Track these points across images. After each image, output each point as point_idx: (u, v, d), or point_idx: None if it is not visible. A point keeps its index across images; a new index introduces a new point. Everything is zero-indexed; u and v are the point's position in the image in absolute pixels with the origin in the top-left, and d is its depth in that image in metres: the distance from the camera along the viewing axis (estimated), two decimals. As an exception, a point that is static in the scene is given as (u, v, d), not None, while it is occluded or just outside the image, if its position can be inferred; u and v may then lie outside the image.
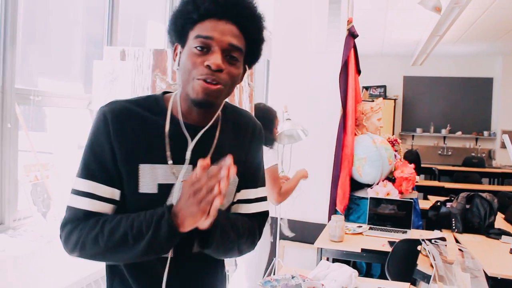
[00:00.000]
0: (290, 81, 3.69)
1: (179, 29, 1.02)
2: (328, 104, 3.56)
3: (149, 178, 1.03)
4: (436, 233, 3.13)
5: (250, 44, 1.03)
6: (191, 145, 1.05)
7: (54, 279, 2.24)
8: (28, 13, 2.60)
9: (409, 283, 1.98)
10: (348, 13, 3.47)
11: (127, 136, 1.02)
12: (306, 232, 3.42)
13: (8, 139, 2.31)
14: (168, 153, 1.04)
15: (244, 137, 1.16)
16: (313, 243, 2.90)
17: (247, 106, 2.71)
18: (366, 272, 3.34)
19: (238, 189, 1.15)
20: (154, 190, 1.03)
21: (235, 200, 1.17)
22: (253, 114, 2.73)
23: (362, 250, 2.81)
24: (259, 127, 1.21)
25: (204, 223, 0.93)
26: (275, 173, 2.73)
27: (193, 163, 1.02)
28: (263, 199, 1.21)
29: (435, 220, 3.71)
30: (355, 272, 1.88)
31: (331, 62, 3.52)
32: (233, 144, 1.12)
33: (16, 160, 2.38)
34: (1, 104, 2.27)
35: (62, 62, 3.06)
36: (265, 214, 1.21)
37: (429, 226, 3.83)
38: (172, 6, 4.09)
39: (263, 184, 1.21)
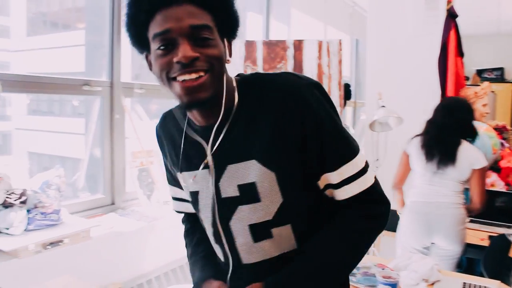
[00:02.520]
0: (386, 66, 3.59)
1: (137, 37, 0.91)
2: (426, 90, 3.41)
3: (185, 186, 1.05)
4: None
5: (217, 13, 0.87)
6: (208, 149, 0.95)
7: (154, 255, 2.46)
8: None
9: (499, 281, 1.84)
10: (447, -8, 3.28)
11: (166, 147, 1.08)
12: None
13: (117, 129, 2.57)
14: (192, 161, 0.99)
15: (285, 116, 0.88)
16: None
17: (336, 94, 2.71)
18: (468, 267, 3.16)
19: (287, 181, 0.91)
20: (189, 197, 1.05)
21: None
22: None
23: (459, 243, 2.66)
24: (304, 95, 0.89)
25: None
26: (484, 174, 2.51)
27: (218, 165, 0.94)
28: (355, 177, 0.92)
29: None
30: (437, 265, 1.82)
31: (430, 46, 3.36)
32: (258, 131, 0.90)
33: (124, 147, 2.64)
34: (110, 97, 2.53)
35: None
36: (366, 193, 0.93)
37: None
38: (268, -3, 4.18)
39: (346, 160, 0.91)
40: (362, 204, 0.94)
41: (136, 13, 0.87)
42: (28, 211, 1.95)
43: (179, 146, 1.00)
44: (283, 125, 0.89)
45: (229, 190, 0.92)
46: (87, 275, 2.08)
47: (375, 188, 0.96)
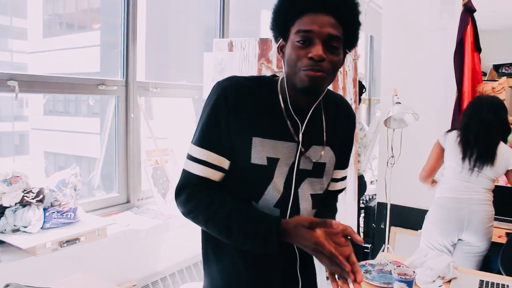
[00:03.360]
0: (401, 62, 3.54)
1: (280, 25, 1.09)
2: (442, 86, 3.36)
3: (260, 150, 1.10)
4: None
5: (347, 30, 1.07)
6: (302, 127, 1.13)
7: (168, 253, 2.47)
8: (147, 10, 2.85)
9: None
10: (464, -14, 3.23)
11: (244, 110, 1.10)
12: (416, 219, 3.29)
13: (132, 128, 2.59)
14: (286, 130, 1.13)
15: (343, 121, 1.24)
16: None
17: (351, 91, 2.69)
18: (484, 265, 3.11)
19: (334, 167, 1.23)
20: (263, 162, 1.10)
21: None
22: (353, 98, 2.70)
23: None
24: (353, 113, 1.29)
25: None
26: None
27: (303, 144, 1.13)
28: (346, 178, 1.32)
29: None
30: (453, 262, 1.79)
31: (446, 41, 3.31)
32: (335, 126, 1.20)
33: (139, 146, 2.65)
34: (125, 96, 2.54)
35: (178, 55, 3.31)
36: (343, 190, 1.33)
37: None
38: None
39: (347, 166, 1.31)
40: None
41: (289, 7, 1.06)
42: (45, 209, 1.97)
43: (271, 116, 1.12)
44: (345, 128, 1.25)
45: (306, 164, 1.14)
46: (102, 273, 2.10)
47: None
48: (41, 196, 1.95)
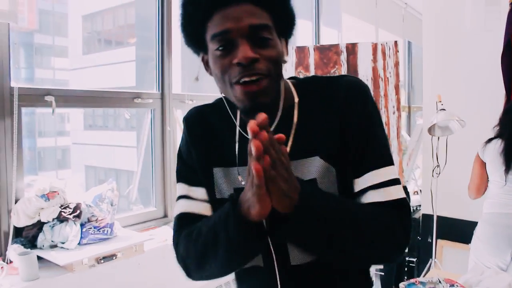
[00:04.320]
0: (443, 67, 3.40)
1: (192, 37, 0.89)
2: (489, 90, 3.20)
3: (223, 182, 0.93)
4: None
5: (275, 12, 0.85)
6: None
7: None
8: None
9: None
10: (510, -15, 3.08)
11: (201, 140, 0.96)
12: (465, 232, 3.12)
13: (169, 140, 2.56)
14: (236, 156, 0.92)
15: (335, 111, 0.89)
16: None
17: (393, 98, 2.59)
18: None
19: (345, 179, 0.89)
20: (228, 193, 0.92)
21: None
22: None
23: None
24: (359, 87, 0.92)
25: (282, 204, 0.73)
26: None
27: None
28: (394, 182, 0.88)
29: None
30: (515, 280, 1.65)
31: (490, 43, 3.15)
32: (321, 124, 0.90)
33: (176, 159, 2.62)
34: (161, 109, 2.52)
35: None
36: (402, 202, 0.88)
37: None
38: (318, 4, 4.10)
39: (388, 162, 0.90)
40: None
41: (193, 13, 0.85)
42: (82, 225, 1.95)
43: (229, 141, 0.94)
44: (345, 120, 0.89)
45: None
46: (140, 290, 2.06)
47: (406, 203, 0.91)
48: (78, 212, 1.93)
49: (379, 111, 0.95)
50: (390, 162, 0.90)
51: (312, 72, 2.71)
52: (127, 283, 2.02)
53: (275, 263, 0.88)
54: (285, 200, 0.73)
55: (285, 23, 0.88)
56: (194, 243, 0.87)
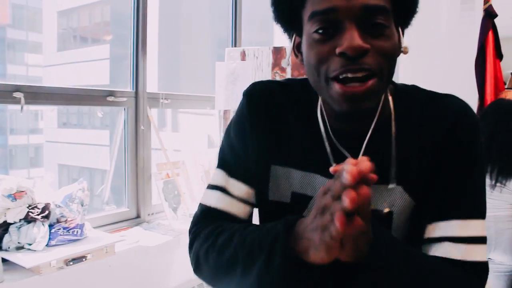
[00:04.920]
0: (419, 70, 3.44)
1: (286, 12, 0.72)
2: (463, 94, 3.23)
3: (281, 183, 0.79)
4: None
5: None
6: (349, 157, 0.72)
7: (180, 271, 2.37)
8: (159, 21, 2.80)
9: None
10: (484, -9, 3.13)
11: (262, 126, 0.80)
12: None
13: (142, 140, 2.51)
14: (324, 162, 0.75)
15: (435, 138, 0.74)
16: None
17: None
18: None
19: (421, 218, 0.75)
20: (286, 199, 0.79)
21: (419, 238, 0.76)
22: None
23: None
24: (468, 116, 0.75)
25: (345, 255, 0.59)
26: None
27: None
28: (480, 240, 0.72)
29: None
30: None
31: (465, 48, 3.20)
32: (411, 152, 0.74)
33: (150, 159, 2.58)
34: (135, 107, 2.48)
35: (190, 65, 3.25)
36: (483, 267, 0.72)
37: None
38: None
39: (479, 215, 0.74)
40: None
41: None
42: (51, 226, 1.90)
43: (300, 138, 0.78)
44: (445, 153, 0.74)
45: None
46: (111, 292, 2.01)
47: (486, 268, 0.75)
48: (46, 212, 1.88)
49: (484, 155, 0.80)
50: (482, 216, 0.75)
51: (288, 73, 2.70)
52: (97, 285, 1.97)
53: None
54: (354, 253, 0.59)
55: (406, 7, 0.71)
56: (219, 250, 0.74)
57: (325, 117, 0.76)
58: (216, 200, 0.82)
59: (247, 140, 0.80)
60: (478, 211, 0.74)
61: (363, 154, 0.71)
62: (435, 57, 3.35)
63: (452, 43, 3.27)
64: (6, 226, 1.82)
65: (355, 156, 0.72)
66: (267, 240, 0.65)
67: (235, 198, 0.82)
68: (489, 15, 3.07)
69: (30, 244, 1.81)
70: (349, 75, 0.64)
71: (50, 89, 2.12)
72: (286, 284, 0.64)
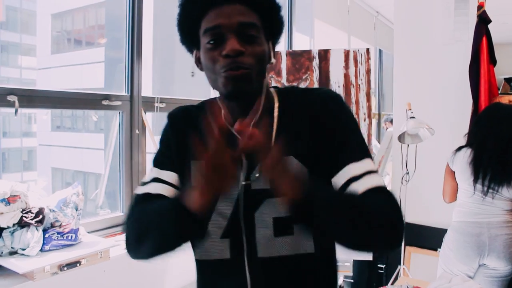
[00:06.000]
0: (414, 76, 3.45)
1: (188, 33, 0.98)
2: (457, 99, 3.26)
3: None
4: None
5: (265, 15, 0.95)
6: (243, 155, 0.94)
7: (174, 275, 2.36)
8: (154, 25, 2.79)
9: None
10: (478, -3, 3.15)
11: (181, 134, 1.02)
12: (433, 238, 3.17)
13: (137, 144, 2.50)
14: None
15: (311, 116, 0.97)
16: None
17: (364, 105, 2.60)
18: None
19: (328, 175, 0.95)
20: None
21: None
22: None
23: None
24: (333, 96, 1.01)
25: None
26: None
27: (250, 161, 0.95)
28: (374, 172, 0.94)
29: None
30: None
31: (459, 54, 3.22)
32: (295, 130, 0.97)
33: (145, 163, 2.57)
34: (130, 111, 2.47)
35: (185, 69, 3.24)
36: (385, 188, 0.94)
37: None
38: (291, 10, 4.12)
39: (366, 155, 0.96)
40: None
41: (191, 10, 0.95)
42: (45, 230, 1.88)
43: (199, 137, 0.93)
44: (321, 124, 0.96)
45: (262, 183, 0.91)
46: (105, 298, 2.00)
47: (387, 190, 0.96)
48: (40, 217, 1.86)
49: (353, 115, 1.02)
50: (368, 155, 0.96)
51: (284, 77, 2.70)
52: (91, 291, 1.96)
53: (245, 255, 0.94)
54: (297, 184, 0.80)
55: (272, 26, 0.98)
56: (140, 219, 0.94)
57: (222, 113, 0.99)
58: (154, 188, 0.99)
59: (171, 145, 1.03)
60: (364, 153, 0.96)
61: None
62: (430, 62, 3.37)
63: (446, 49, 3.29)
64: (-1, 231, 1.80)
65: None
66: (172, 200, 0.91)
67: (167, 184, 1.00)
68: (483, 21, 3.09)
69: (23, 249, 1.80)
70: (231, 72, 0.89)
71: (45, 93, 2.11)
72: (179, 230, 0.87)
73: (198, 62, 1.00)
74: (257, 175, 0.94)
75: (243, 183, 0.95)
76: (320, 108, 0.97)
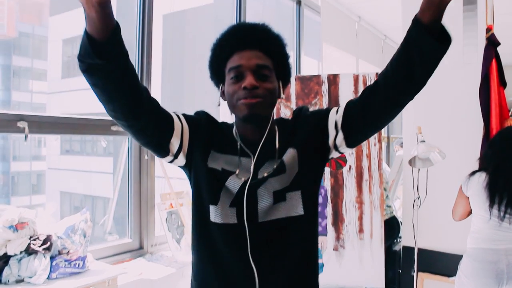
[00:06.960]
0: (424, 100, 3.42)
1: (217, 71, 1.23)
2: (467, 123, 3.23)
3: (216, 160, 1.19)
4: None
5: (276, 61, 1.20)
6: (254, 158, 1.20)
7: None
8: (163, 47, 2.80)
9: None
10: (487, 20, 3.13)
11: (210, 129, 1.23)
12: (446, 265, 3.09)
13: (146, 170, 2.49)
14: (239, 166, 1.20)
15: (292, 128, 1.25)
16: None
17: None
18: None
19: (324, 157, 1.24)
20: (219, 168, 1.19)
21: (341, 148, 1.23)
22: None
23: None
24: (300, 110, 1.28)
25: None
26: None
27: (255, 174, 1.18)
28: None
29: None
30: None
31: (468, 76, 3.20)
32: (289, 139, 1.23)
33: (153, 189, 2.55)
34: (139, 137, 2.46)
35: (193, 93, 3.25)
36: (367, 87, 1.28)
37: None
38: (299, 34, 4.14)
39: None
40: None
41: (219, 53, 1.20)
42: (52, 258, 1.86)
43: (224, 140, 1.23)
44: (300, 127, 1.24)
45: (265, 171, 1.18)
46: (112, 327, 1.96)
47: None
48: (48, 244, 1.85)
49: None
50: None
51: (293, 102, 2.70)
52: (98, 319, 1.92)
53: (245, 219, 1.14)
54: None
55: (282, 69, 1.22)
56: None
57: (237, 131, 1.24)
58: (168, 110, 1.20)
59: (201, 127, 1.22)
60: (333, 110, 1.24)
61: (260, 155, 1.19)
62: (439, 85, 3.35)
63: (456, 72, 3.27)
64: (6, 258, 1.78)
65: (253, 153, 1.20)
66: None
67: (177, 117, 1.20)
68: (492, 43, 3.08)
69: (30, 277, 1.78)
70: (249, 100, 1.13)
71: (54, 119, 2.11)
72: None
73: (222, 94, 1.23)
74: (265, 174, 1.17)
75: (251, 174, 1.17)
76: (296, 115, 1.27)
